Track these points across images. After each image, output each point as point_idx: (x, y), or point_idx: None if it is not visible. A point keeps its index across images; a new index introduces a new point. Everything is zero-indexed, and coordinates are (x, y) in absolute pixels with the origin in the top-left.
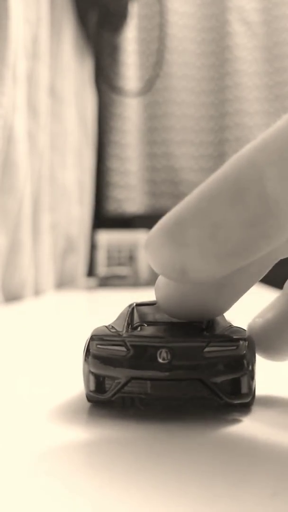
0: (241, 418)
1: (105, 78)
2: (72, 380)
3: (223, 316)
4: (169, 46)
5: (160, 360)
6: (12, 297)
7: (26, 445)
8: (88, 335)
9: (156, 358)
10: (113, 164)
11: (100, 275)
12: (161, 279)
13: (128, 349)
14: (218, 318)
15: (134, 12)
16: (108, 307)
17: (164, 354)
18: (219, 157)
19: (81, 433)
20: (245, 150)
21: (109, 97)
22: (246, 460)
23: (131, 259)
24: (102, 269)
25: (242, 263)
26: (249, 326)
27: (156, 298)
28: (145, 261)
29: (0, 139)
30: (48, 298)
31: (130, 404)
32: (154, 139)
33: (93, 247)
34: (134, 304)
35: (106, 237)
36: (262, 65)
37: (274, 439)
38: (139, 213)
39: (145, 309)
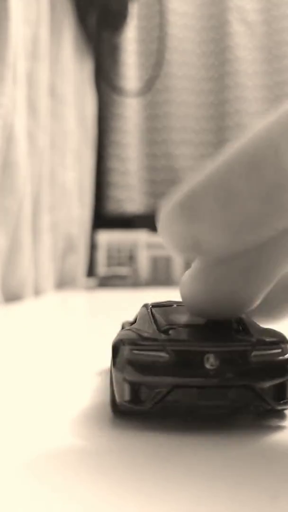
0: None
1: (105, 78)
2: (71, 382)
3: (249, 317)
4: (169, 46)
5: (208, 366)
6: (12, 297)
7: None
8: (112, 339)
9: (203, 363)
10: (113, 164)
11: (100, 275)
12: (186, 275)
13: (170, 355)
14: (247, 320)
15: (134, 12)
16: (108, 307)
17: (212, 360)
18: None
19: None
20: (262, 124)
21: (109, 97)
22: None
23: (131, 259)
24: (102, 269)
25: (256, 238)
26: None
27: (182, 295)
28: (145, 261)
29: (0, 139)
30: (48, 298)
31: (172, 414)
32: (154, 139)
33: (93, 247)
34: (150, 305)
35: (106, 237)
36: (262, 65)
37: None
38: (139, 213)
39: (163, 310)
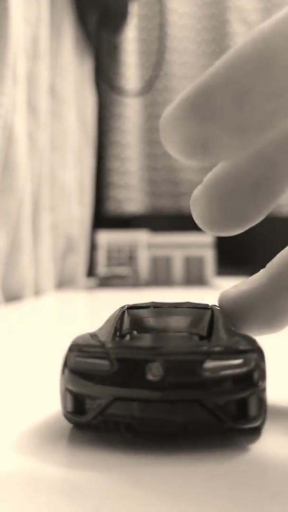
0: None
1: (105, 78)
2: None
3: (228, 322)
4: (169, 46)
5: (150, 377)
6: (12, 297)
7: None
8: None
9: (145, 374)
10: (113, 164)
11: (100, 275)
12: (197, 192)
13: (111, 363)
14: (222, 324)
15: (134, 12)
16: (108, 307)
17: (155, 370)
18: None
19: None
20: (273, 20)
21: (109, 97)
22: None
23: (131, 259)
24: (102, 269)
25: (263, 136)
26: (221, 295)
27: (193, 213)
28: (145, 261)
29: (0, 139)
30: (48, 298)
31: (115, 428)
32: (154, 139)
33: (93, 247)
34: (126, 307)
35: (106, 237)
36: None
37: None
38: (139, 213)
39: (138, 312)
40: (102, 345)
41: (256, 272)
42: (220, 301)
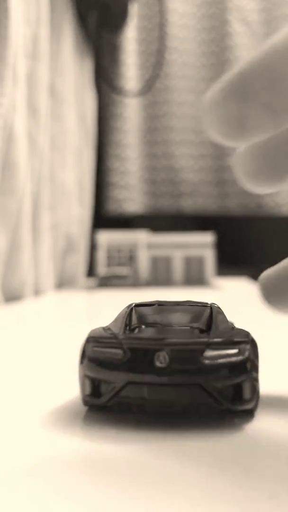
0: (243, 425)
1: (105, 78)
2: (70, 382)
3: (226, 318)
4: (169, 46)
5: (158, 364)
6: (12, 297)
7: (18, 451)
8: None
9: (154, 361)
10: (113, 164)
11: (100, 275)
12: (241, 149)
13: (124, 352)
14: (220, 320)
15: (134, 12)
16: (108, 307)
17: (161, 358)
18: (219, 157)
19: (76, 438)
20: None
21: (109, 97)
22: (246, 469)
23: (131, 259)
24: (102, 269)
25: None
26: (262, 275)
27: (238, 168)
28: (145, 261)
29: (0, 139)
30: (48, 298)
31: (127, 409)
32: (154, 139)
33: (93, 247)
34: (133, 304)
35: (106, 237)
36: None
37: (276, 450)
38: (139, 213)
39: (144, 309)
40: (116, 337)
41: (255, 272)
42: (261, 279)
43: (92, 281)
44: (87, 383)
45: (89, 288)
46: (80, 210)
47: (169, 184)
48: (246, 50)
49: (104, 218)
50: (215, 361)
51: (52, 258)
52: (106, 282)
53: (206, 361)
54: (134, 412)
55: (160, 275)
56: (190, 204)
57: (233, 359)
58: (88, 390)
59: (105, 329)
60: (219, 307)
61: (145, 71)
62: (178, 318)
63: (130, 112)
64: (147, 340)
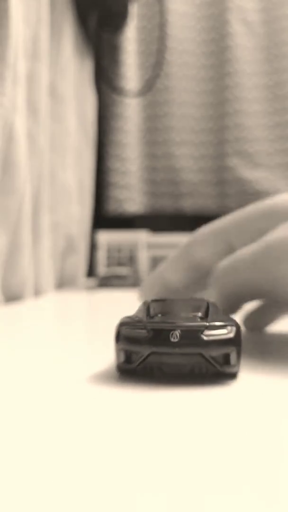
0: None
1: (105, 78)
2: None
3: (218, 309)
4: (169, 47)
5: (172, 339)
6: (12, 297)
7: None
8: (116, 323)
9: (169, 338)
10: (113, 164)
11: (100, 275)
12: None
13: (148, 332)
14: (213, 311)
15: (134, 12)
16: (108, 307)
17: (175, 335)
18: (219, 158)
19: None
20: None
21: (109, 97)
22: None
23: (131, 259)
24: (102, 269)
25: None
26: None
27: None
28: (145, 261)
29: (0, 139)
30: (48, 298)
31: (150, 371)
32: (154, 139)
33: (93, 247)
34: (150, 300)
35: (106, 237)
36: (262, 65)
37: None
38: (139, 213)
39: (157, 303)
40: (141, 321)
41: None
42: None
43: (92, 281)
44: (122, 354)
45: (89, 288)
46: (80, 210)
47: (169, 184)
48: (246, 50)
49: (104, 218)
50: (211, 337)
51: (52, 258)
52: (106, 282)
53: (205, 338)
54: (155, 373)
55: None
56: (190, 204)
57: (223, 336)
58: (122, 359)
59: (132, 317)
60: (213, 302)
61: (145, 71)
62: (184, 309)
63: (130, 112)
64: (164, 323)
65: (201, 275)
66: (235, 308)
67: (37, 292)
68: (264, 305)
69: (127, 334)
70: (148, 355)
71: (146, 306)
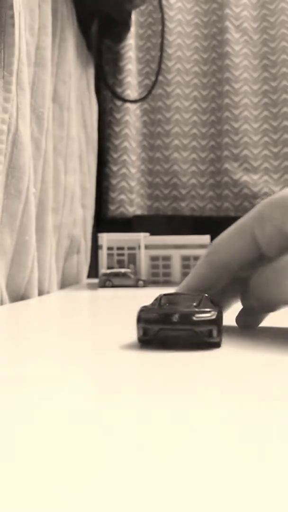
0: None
1: (106, 85)
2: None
3: (209, 301)
4: (169, 53)
5: (174, 320)
6: (17, 296)
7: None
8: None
9: (172, 319)
10: (114, 167)
11: (102, 275)
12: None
13: (159, 315)
14: (205, 302)
15: (135, 19)
16: (110, 306)
17: (176, 317)
18: (217, 161)
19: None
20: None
21: (110, 103)
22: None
23: (132, 260)
24: (104, 269)
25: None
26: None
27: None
28: (145, 261)
29: (6, 144)
30: (52, 297)
31: (159, 342)
32: (153, 143)
33: (95, 248)
34: (162, 294)
35: (108, 239)
36: (259, 72)
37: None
38: (139, 216)
39: (167, 296)
40: (153, 308)
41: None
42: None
43: (95, 280)
44: (141, 330)
45: (92, 288)
46: (83, 212)
47: (168, 187)
48: (243, 56)
49: (105, 220)
50: (199, 318)
51: (56, 258)
52: (108, 281)
53: (195, 318)
54: (162, 343)
55: (160, 275)
56: (188, 206)
57: (208, 318)
58: (141, 333)
59: (148, 305)
60: (206, 296)
61: (145, 78)
62: (184, 300)
63: (130, 117)
64: (169, 309)
65: (230, 275)
66: (270, 310)
67: (41, 291)
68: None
69: (144, 316)
70: (158, 331)
71: (159, 298)
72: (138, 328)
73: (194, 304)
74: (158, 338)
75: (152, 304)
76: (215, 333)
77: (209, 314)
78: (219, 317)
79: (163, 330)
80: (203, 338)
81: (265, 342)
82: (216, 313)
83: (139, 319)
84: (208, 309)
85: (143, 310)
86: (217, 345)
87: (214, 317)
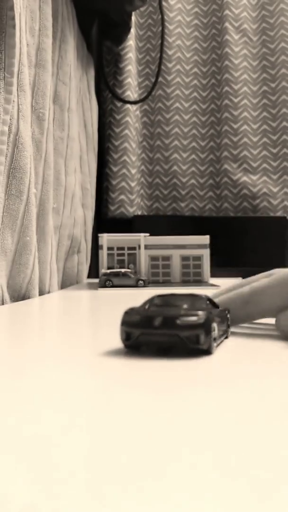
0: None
1: (106, 86)
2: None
3: (204, 302)
4: (168, 54)
5: (156, 324)
6: (18, 296)
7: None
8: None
9: (154, 322)
10: (114, 168)
11: (102, 275)
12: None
13: (141, 318)
14: (198, 302)
15: (135, 21)
16: (110, 306)
17: (158, 321)
18: (216, 162)
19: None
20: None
21: (110, 104)
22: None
23: (132, 260)
24: (104, 269)
25: None
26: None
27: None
28: (145, 262)
29: (7, 145)
30: (53, 297)
31: (141, 346)
32: (153, 144)
33: (95, 248)
34: (156, 295)
35: (108, 239)
36: (258, 73)
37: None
38: (139, 216)
39: (161, 297)
40: (138, 310)
41: (250, 274)
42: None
43: (95, 280)
44: (124, 334)
45: (92, 288)
46: (83, 213)
47: (168, 188)
48: (242, 58)
49: (105, 220)
50: (185, 323)
51: (57, 258)
52: (108, 281)
53: (179, 322)
54: (144, 348)
55: (160, 276)
56: (187, 206)
57: (194, 322)
58: (124, 337)
59: (135, 307)
60: (201, 296)
61: (145, 79)
62: (177, 302)
63: (130, 118)
64: (152, 312)
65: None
66: None
67: (42, 291)
68: None
69: (126, 319)
70: (139, 335)
71: (150, 299)
72: (121, 332)
73: (185, 306)
74: (139, 344)
75: (142, 305)
76: (202, 338)
77: (195, 318)
78: (209, 321)
79: (144, 335)
80: (189, 345)
81: (265, 353)
82: (205, 316)
83: (122, 322)
84: (196, 312)
85: (127, 312)
86: (207, 352)
87: (201, 321)
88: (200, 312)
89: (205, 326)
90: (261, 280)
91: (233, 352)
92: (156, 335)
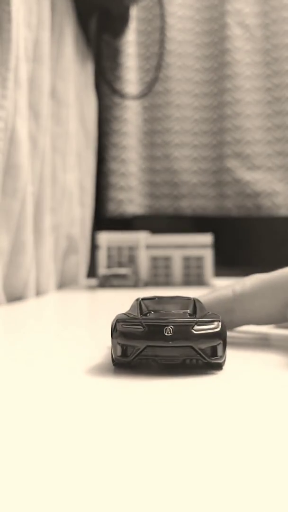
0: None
1: (105, 81)
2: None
3: (203, 306)
4: (169, 49)
5: (166, 334)
6: (14, 297)
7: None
8: (112, 320)
9: (163, 332)
10: (113, 166)
11: (101, 276)
12: None
13: (143, 327)
14: (200, 308)
15: (134, 15)
16: (109, 307)
17: (168, 330)
18: (218, 159)
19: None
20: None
21: (109, 99)
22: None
23: (131, 259)
24: (102, 269)
25: None
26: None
27: None
28: (145, 261)
29: (3, 141)
30: (50, 298)
31: (146, 363)
32: (153, 141)
33: (94, 247)
34: (140, 298)
35: (107, 238)
36: (261, 68)
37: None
38: (139, 214)
39: (148, 301)
40: (136, 318)
41: (253, 273)
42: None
43: (93, 281)
44: (118, 348)
45: (90, 288)
46: (81, 211)
47: (168, 186)
48: (244, 53)
49: (104, 219)
50: (200, 332)
51: (54, 258)
52: (107, 282)
53: (195, 332)
54: (151, 364)
55: (160, 276)
56: (188, 205)
57: (211, 330)
58: (119, 353)
59: (126, 314)
60: (198, 299)
61: (145, 74)
62: (173, 307)
63: (130, 115)
64: (158, 319)
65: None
66: None
67: (39, 292)
68: None
69: (123, 330)
70: (144, 349)
71: (138, 304)
72: (114, 346)
73: (188, 311)
74: (142, 360)
75: (131, 311)
76: (220, 350)
77: (212, 325)
78: (224, 329)
79: (150, 348)
80: (205, 358)
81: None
82: (220, 323)
83: (115, 333)
84: (209, 318)
85: (121, 321)
86: (219, 366)
87: (218, 329)
88: (214, 319)
89: (222, 336)
90: (246, 282)
91: (241, 363)
92: (166, 347)
